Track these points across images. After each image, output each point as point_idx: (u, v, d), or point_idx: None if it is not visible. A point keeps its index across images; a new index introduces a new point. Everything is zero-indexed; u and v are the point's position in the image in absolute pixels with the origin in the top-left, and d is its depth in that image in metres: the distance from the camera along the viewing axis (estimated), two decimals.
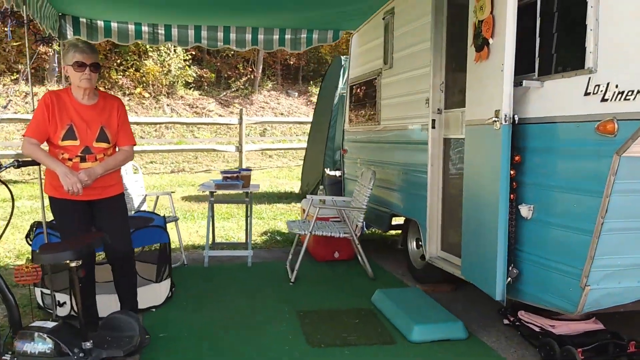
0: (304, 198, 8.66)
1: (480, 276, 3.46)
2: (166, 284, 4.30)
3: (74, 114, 3.42)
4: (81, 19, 5.45)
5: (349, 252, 5.56)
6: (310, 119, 19.28)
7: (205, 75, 20.95)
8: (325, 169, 7.71)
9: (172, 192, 5.80)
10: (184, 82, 18.92)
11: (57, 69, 17.41)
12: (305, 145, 16.30)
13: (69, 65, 3.40)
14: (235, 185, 5.37)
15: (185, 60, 18.88)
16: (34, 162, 3.39)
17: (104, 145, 3.48)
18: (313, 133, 9.37)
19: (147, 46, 17.95)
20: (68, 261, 2.90)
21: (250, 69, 22.31)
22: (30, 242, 4.13)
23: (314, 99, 21.64)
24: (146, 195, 5.57)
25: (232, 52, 21.78)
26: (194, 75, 19.72)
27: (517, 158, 3.21)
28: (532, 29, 3.16)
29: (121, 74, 18.81)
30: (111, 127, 3.52)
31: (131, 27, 5.47)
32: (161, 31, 5.42)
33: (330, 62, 22.38)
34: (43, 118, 3.36)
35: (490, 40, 3.29)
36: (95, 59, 3.42)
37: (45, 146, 3.47)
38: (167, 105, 17.94)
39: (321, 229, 4.93)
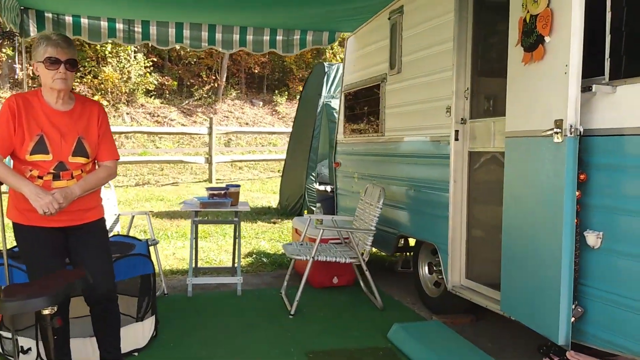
0: (286, 214, 8.16)
1: (533, 314, 2.96)
2: (150, 322, 3.66)
3: (46, 122, 2.78)
4: (46, 14, 4.74)
5: (348, 277, 5.01)
6: (276, 128, 18.93)
7: (166, 82, 20.19)
8: (315, 184, 7.15)
9: (149, 211, 5.11)
10: (144, 89, 18.09)
11: (13, 72, 16.29)
12: (277, 156, 15.89)
13: (39, 62, 2.76)
14: (223, 204, 4.76)
15: (145, 67, 18.07)
16: None
17: (81, 160, 2.84)
18: (293, 144, 8.81)
19: (107, 52, 17.09)
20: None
21: (214, 77, 21.64)
22: None
23: (279, 108, 21.16)
24: (119, 214, 4.89)
25: (195, 60, 21.11)
26: (155, 82, 18.92)
27: (582, 176, 2.73)
28: (598, 24, 2.70)
29: (78, 80, 17.85)
30: (90, 138, 2.89)
31: (104, 23, 4.78)
32: (138, 29, 4.78)
33: (308, 69, 22.07)
34: (7, 127, 2.71)
35: (547, 38, 2.81)
36: (72, 55, 2.78)
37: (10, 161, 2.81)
38: (127, 114, 17.08)
39: (324, 253, 4.36)
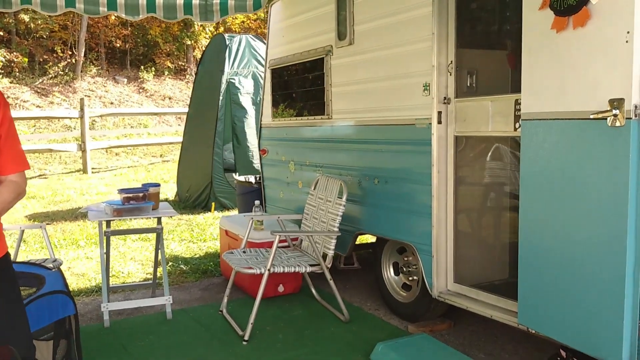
0: (188, 207, 7.16)
1: (576, 331, 2.49)
2: None
3: None
4: None
5: (294, 283, 4.33)
6: (144, 108, 17.40)
7: (16, 59, 17.75)
8: (235, 174, 6.28)
9: (45, 223, 4.00)
10: None
11: None
12: (156, 139, 14.45)
13: None
14: (144, 209, 3.82)
15: None
16: None
17: None
18: (191, 128, 7.82)
19: None
20: None
21: (70, 52, 19.46)
22: None
23: (147, 85, 19.58)
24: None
25: (47, 33, 18.80)
26: (2, 59, 16.57)
27: None
28: None
29: None
30: None
31: None
32: None
33: (175, 43, 20.48)
34: None
35: (594, 0, 2.30)
36: None
37: None
38: None
39: (282, 264, 3.63)
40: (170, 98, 19.37)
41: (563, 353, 2.74)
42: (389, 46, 3.59)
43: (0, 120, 1.96)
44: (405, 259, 3.81)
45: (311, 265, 3.64)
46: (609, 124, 2.25)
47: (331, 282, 3.67)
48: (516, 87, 2.85)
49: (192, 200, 7.55)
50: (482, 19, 3.51)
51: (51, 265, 3.44)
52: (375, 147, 3.76)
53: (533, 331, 2.76)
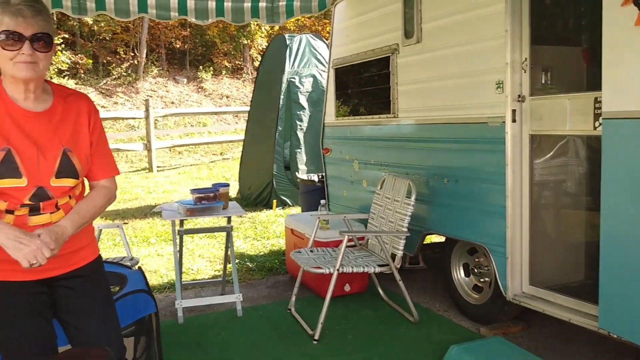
0: (250, 205, 7.27)
1: None
2: None
3: (13, 130, 1.86)
4: None
5: (361, 283, 4.33)
6: (204, 108, 17.74)
7: (80, 61, 18.45)
8: (297, 173, 6.34)
9: (124, 223, 4.16)
10: (56, 69, 16.36)
11: None
12: (216, 138, 14.70)
13: None
14: (215, 209, 3.90)
15: (56, 44, 16.37)
16: None
17: (68, 182, 1.95)
18: (253, 127, 7.92)
19: None
20: None
21: (132, 54, 20.09)
22: None
23: (205, 84, 19.96)
24: None
25: (110, 35, 19.47)
26: (68, 61, 17.19)
27: None
28: None
29: None
30: (80, 149, 1.99)
31: None
32: None
33: (232, 43, 20.80)
34: None
35: None
36: (43, 27, 1.84)
37: None
38: None
39: (350, 264, 3.64)
40: (227, 97, 19.72)
41: None
42: (459, 44, 3.52)
43: (92, 128, 2.04)
44: (477, 260, 3.75)
45: (380, 266, 3.62)
46: None
47: (400, 283, 3.65)
48: (593, 85, 2.75)
49: (253, 198, 7.66)
50: (556, 14, 3.40)
51: (129, 264, 3.58)
52: (445, 146, 3.71)
53: (615, 336, 2.66)
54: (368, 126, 4.56)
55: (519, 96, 3.19)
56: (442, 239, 4.21)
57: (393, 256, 3.68)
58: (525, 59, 3.17)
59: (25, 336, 1.91)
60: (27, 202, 1.86)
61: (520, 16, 3.15)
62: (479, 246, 3.65)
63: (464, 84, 3.51)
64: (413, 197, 3.65)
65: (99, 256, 2.16)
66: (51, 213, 1.91)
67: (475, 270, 3.76)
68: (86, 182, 2.10)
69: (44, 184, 1.88)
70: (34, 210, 1.87)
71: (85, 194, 2.09)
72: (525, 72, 3.18)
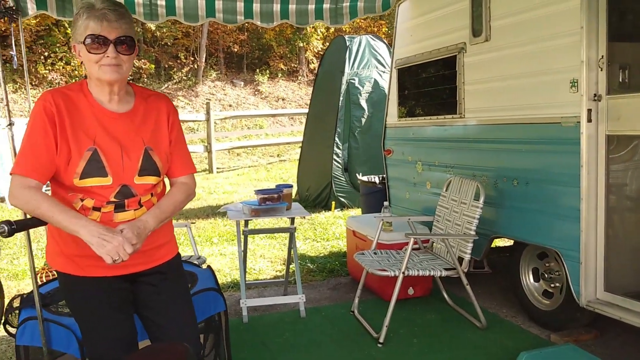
0: (309, 206, 7.30)
1: None
2: None
3: (99, 130, 1.92)
4: None
5: (425, 286, 4.27)
6: (261, 110, 17.97)
7: (143, 66, 19.07)
8: (357, 174, 6.33)
9: (192, 222, 4.26)
10: None
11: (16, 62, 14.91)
12: (273, 140, 14.86)
13: (79, 44, 1.88)
14: (279, 210, 3.94)
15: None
16: (37, 222, 1.86)
17: (151, 180, 2.00)
18: (311, 128, 7.96)
19: None
20: None
21: (192, 58, 20.60)
22: (13, 332, 2.59)
23: (262, 88, 20.21)
24: None
25: (172, 41, 20.04)
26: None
27: None
28: None
29: (49, 67, 16.62)
30: (160, 147, 2.04)
31: None
32: (161, 2, 3.85)
33: (289, 46, 21.02)
34: (46, 141, 1.85)
35: None
36: (126, 31, 1.90)
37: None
38: None
39: (416, 267, 3.59)
40: (283, 99, 19.93)
41: None
42: (531, 41, 3.42)
43: (171, 127, 2.09)
44: (547, 264, 3.63)
45: (446, 270, 3.56)
46: None
47: (468, 287, 3.57)
48: None
49: (312, 199, 7.69)
50: (636, 10, 3.26)
51: (196, 262, 3.65)
52: (514, 147, 3.61)
53: None
54: (432, 127, 4.49)
55: (595, 95, 3.07)
56: (508, 242, 4.10)
57: (460, 260, 3.61)
58: (602, 56, 3.04)
59: (109, 331, 1.98)
60: (113, 199, 1.92)
61: (597, 12, 3.03)
62: (550, 250, 3.53)
63: (536, 83, 3.41)
64: (481, 200, 3.57)
65: (178, 253, 2.21)
66: (135, 210, 1.96)
67: (546, 275, 3.64)
68: (166, 182, 2.16)
69: (128, 182, 1.93)
70: (119, 207, 1.93)
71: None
72: (601, 70, 3.05)
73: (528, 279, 3.80)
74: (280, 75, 21.22)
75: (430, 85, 4.49)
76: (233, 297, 4.37)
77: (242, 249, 4.07)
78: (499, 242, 5.13)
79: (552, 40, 3.26)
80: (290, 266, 4.42)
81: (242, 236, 4.06)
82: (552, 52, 3.27)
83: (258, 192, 4.00)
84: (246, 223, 4.06)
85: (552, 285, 3.61)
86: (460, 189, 3.84)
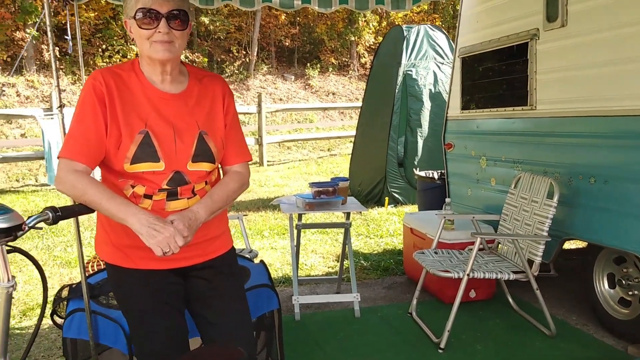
0: (362, 201, 7.09)
1: None
2: None
3: (151, 112, 1.79)
4: None
5: (487, 289, 4.01)
6: (311, 104, 17.85)
7: (197, 59, 19.30)
8: (415, 170, 6.10)
9: (244, 214, 4.14)
10: None
11: (39, 54, 15.41)
12: (324, 134, 14.69)
13: (130, 19, 1.75)
14: (334, 204, 3.76)
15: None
16: (83, 209, 1.74)
17: (205, 166, 1.85)
18: (365, 121, 7.74)
19: None
20: None
21: (244, 52, 20.71)
22: (60, 324, 2.52)
23: (312, 82, 20.09)
24: None
25: (225, 35, 20.19)
26: (186, 60, 17.95)
27: None
28: None
29: (107, 60, 16.97)
30: (216, 132, 1.89)
31: None
32: None
33: (340, 40, 20.84)
34: (95, 123, 1.72)
35: None
36: (180, 4, 1.75)
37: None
38: None
39: (481, 269, 3.35)
40: (334, 93, 19.78)
41: None
42: (613, 27, 3.12)
43: (226, 110, 1.94)
44: (625, 270, 3.33)
45: (514, 272, 3.30)
46: None
47: (538, 292, 3.30)
48: None
49: (364, 195, 7.48)
50: None
51: (248, 256, 3.51)
52: (592, 142, 3.32)
53: None
54: (499, 119, 4.22)
55: None
56: (576, 244, 3.80)
57: (530, 262, 3.34)
58: None
59: (158, 328, 1.85)
60: (165, 186, 1.78)
61: None
62: (629, 255, 3.23)
63: (617, 72, 3.11)
64: (556, 198, 3.29)
65: (233, 247, 2.06)
66: (188, 199, 1.82)
67: (623, 282, 3.33)
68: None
69: (181, 168, 1.79)
70: (172, 195, 1.79)
71: None
72: None
73: (602, 285, 3.50)
74: (331, 69, 21.08)
75: (498, 74, 4.21)
76: (284, 292, 4.23)
77: (295, 243, 3.91)
78: (568, 244, 4.81)
79: (635, 26, 2.95)
80: (345, 262, 4.24)
81: (295, 230, 3.90)
82: (635, 38, 2.96)
83: (313, 184, 3.83)
84: (300, 217, 3.90)
85: (630, 292, 3.30)
86: (531, 186, 3.57)
